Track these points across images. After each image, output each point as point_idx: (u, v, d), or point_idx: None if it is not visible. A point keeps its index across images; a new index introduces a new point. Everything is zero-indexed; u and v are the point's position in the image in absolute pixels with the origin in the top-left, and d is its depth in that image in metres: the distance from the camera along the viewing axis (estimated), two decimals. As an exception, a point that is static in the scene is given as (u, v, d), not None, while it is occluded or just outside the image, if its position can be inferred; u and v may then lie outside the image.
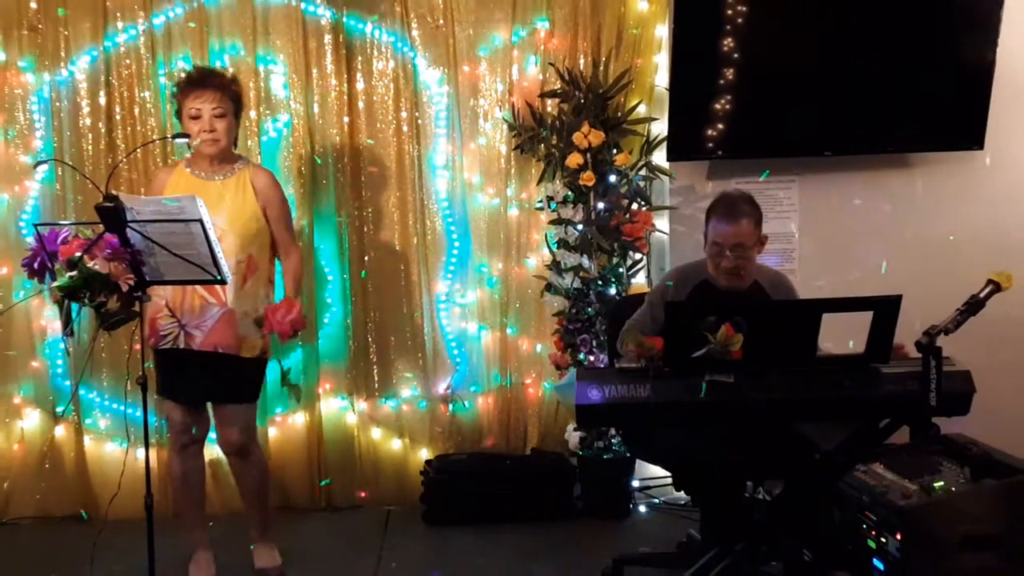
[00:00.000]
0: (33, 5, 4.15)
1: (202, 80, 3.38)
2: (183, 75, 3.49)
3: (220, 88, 3.36)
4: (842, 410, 2.70)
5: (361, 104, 4.32)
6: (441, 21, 4.29)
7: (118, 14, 4.17)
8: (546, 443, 4.39)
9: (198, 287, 3.27)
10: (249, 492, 3.55)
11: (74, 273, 2.75)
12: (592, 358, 4.13)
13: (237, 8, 4.20)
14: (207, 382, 3.36)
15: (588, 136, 4.07)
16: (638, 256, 4.30)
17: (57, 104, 4.19)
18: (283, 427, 4.30)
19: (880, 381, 2.63)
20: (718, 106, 4.09)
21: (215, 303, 3.31)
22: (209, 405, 3.48)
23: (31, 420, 4.29)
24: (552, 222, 4.26)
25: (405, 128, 4.32)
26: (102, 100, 4.19)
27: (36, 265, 2.85)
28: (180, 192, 3.29)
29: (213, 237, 2.80)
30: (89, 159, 4.20)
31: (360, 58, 4.30)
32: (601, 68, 4.22)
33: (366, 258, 4.34)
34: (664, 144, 4.21)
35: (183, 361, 3.34)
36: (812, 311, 2.68)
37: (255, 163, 3.57)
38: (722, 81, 4.05)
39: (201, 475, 3.54)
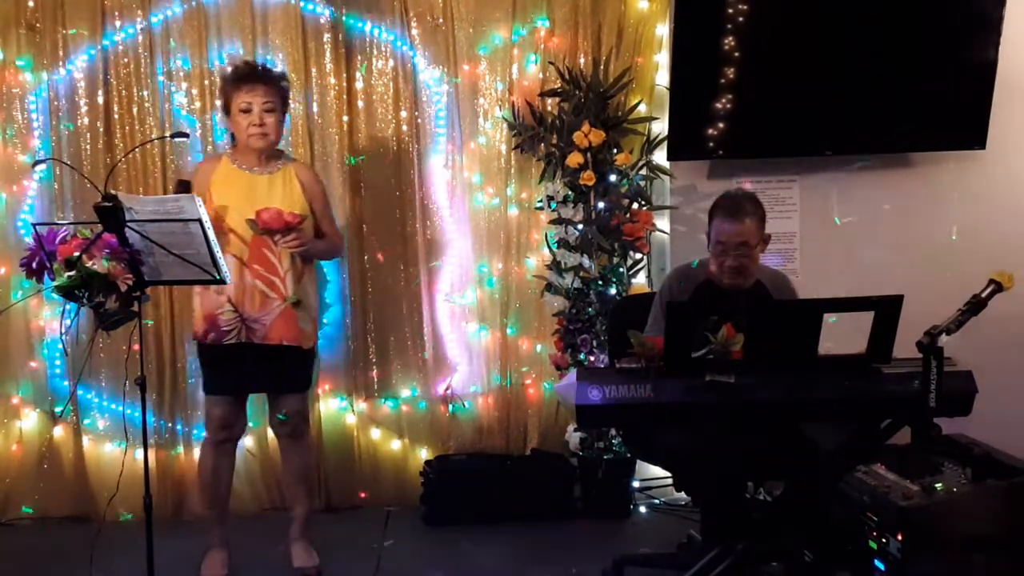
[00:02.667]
0: (31, 3, 4.14)
1: (253, 74, 3.41)
2: (230, 69, 3.50)
3: (271, 83, 3.40)
4: (843, 410, 2.70)
5: (360, 103, 4.31)
6: (441, 20, 4.28)
7: (116, 13, 4.16)
8: (546, 443, 4.38)
9: (258, 282, 3.33)
10: (296, 477, 3.59)
11: (72, 273, 2.74)
12: (592, 358, 4.12)
13: (236, 7, 4.18)
14: (270, 375, 3.43)
15: (588, 135, 4.06)
16: (638, 256, 4.29)
17: (55, 103, 4.18)
18: (282, 427, 4.28)
19: (881, 381, 2.62)
20: (719, 105, 4.08)
21: (276, 297, 3.36)
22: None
23: (29, 420, 4.29)
24: (552, 222, 4.25)
25: (405, 127, 4.31)
26: (100, 99, 4.19)
27: (34, 265, 2.84)
28: (227, 184, 3.36)
29: (212, 237, 2.79)
30: (87, 158, 4.19)
31: (359, 57, 4.29)
32: (601, 67, 4.21)
33: (365, 258, 4.33)
34: (665, 143, 4.20)
35: (242, 355, 3.37)
36: (813, 311, 2.68)
37: (297, 159, 3.62)
38: (723, 80, 4.04)
39: (231, 473, 3.57)
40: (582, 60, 4.28)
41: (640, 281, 4.34)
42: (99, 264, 2.76)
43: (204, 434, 3.59)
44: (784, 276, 3.41)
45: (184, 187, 3.17)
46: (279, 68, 3.83)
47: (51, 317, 4.18)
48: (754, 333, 2.60)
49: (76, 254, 2.75)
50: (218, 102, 3.64)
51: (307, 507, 3.64)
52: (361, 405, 4.37)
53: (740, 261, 3.13)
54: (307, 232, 3.42)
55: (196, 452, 4.24)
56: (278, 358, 3.40)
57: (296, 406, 3.53)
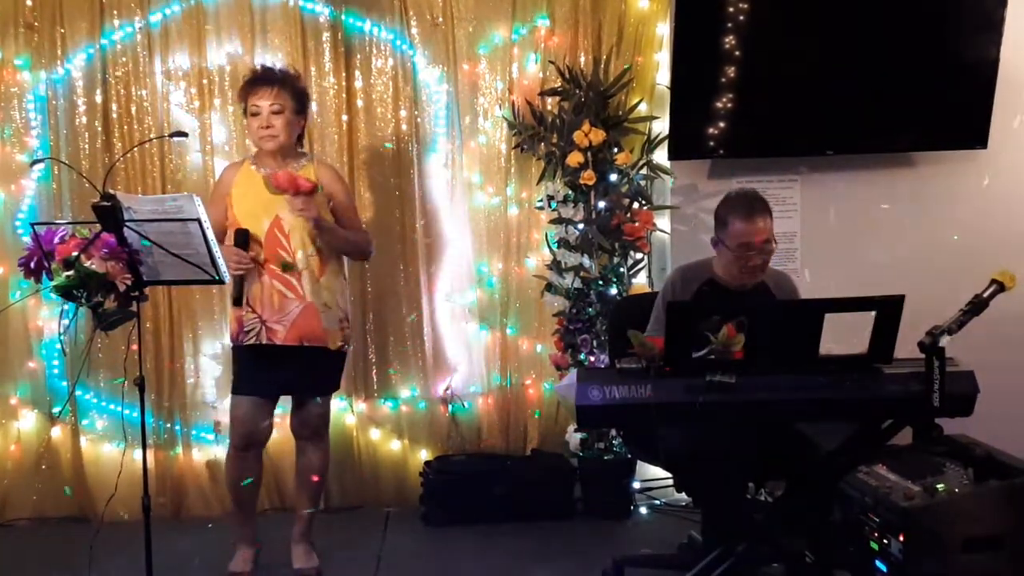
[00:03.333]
0: (29, 3, 4.13)
1: (261, 78, 3.41)
2: (247, 75, 3.52)
3: (277, 84, 3.38)
4: (844, 411, 2.68)
5: (360, 103, 4.30)
6: (440, 19, 4.27)
7: (115, 12, 4.16)
8: (546, 444, 4.37)
9: (276, 282, 3.32)
10: (307, 480, 3.56)
11: (71, 273, 2.73)
12: (592, 358, 4.11)
13: (235, 6, 4.18)
14: (291, 376, 3.41)
15: (589, 135, 4.05)
16: (639, 256, 4.29)
17: (53, 102, 4.18)
18: (282, 427, 4.26)
19: (883, 382, 2.61)
20: (719, 105, 4.07)
21: (294, 298, 3.35)
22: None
23: (27, 421, 4.28)
24: (552, 221, 4.25)
25: (404, 127, 4.30)
26: (99, 98, 4.18)
27: (32, 264, 2.82)
28: (247, 186, 3.38)
29: (211, 237, 2.78)
30: (86, 158, 4.18)
31: (359, 56, 4.28)
32: (602, 66, 4.20)
33: (365, 257, 4.32)
34: (665, 143, 4.19)
35: (263, 356, 3.36)
36: (814, 311, 2.67)
37: (318, 158, 3.61)
38: (723, 79, 4.03)
39: (257, 479, 3.53)
40: (582, 59, 4.27)
41: (641, 281, 4.33)
42: (98, 264, 2.75)
43: (229, 437, 3.56)
44: (786, 276, 3.41)
45: (244, 235, 3.27)
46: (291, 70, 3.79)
47: (49, 317, 4.17)
48: (755, 333, 2.59)
49: (74, 254, 2.74)
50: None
51: (313, 507, 3.61)
52: (360, 406, 4.36)
53: (764, 258, 3.15)
54: (321, 210, 3.37)
55: (195, 452, 4.28)
56: (302, 359, 3.38)
57: (318, 410, 3.51)
